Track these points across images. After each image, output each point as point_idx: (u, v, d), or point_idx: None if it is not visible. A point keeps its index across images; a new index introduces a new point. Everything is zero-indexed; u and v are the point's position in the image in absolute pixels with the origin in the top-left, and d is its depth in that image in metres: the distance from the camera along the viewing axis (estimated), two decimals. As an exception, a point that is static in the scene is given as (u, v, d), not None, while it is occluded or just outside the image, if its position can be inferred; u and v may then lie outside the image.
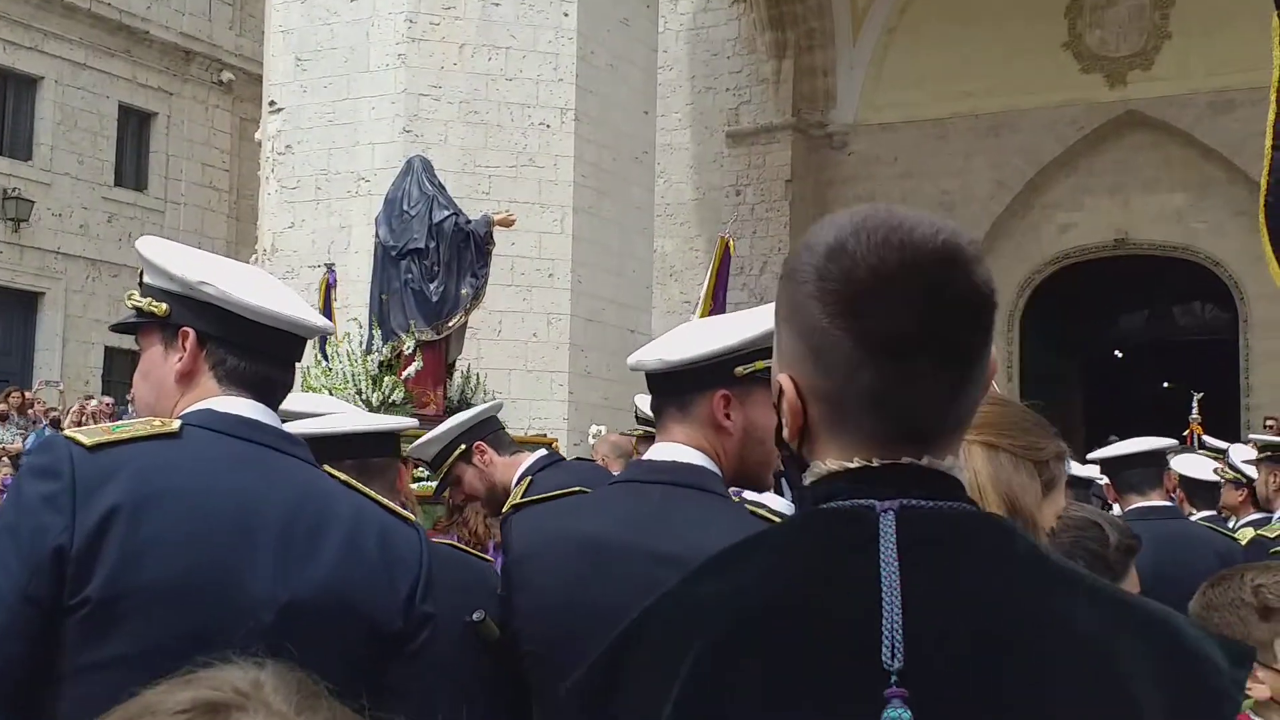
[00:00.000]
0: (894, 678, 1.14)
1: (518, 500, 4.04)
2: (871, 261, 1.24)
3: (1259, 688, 2.50)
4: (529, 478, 4.09)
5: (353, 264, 12.81)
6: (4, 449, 15.57)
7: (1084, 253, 22.60)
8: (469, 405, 9.64)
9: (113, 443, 1.95)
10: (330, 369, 9.40)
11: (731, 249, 10.14)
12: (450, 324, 9.69)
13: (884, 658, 1.15)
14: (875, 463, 1.28)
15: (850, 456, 1.29)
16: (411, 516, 2.25)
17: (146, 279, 2.21)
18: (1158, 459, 5.37)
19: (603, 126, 15.60)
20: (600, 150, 15.55)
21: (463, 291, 9.68)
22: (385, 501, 2.23)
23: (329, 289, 10.66)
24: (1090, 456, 5.54)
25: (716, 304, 10.06)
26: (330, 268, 10.93)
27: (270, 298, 2.16)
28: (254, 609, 1.93)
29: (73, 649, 1.85)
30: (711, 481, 2.29)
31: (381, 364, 9.46)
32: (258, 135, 16.60)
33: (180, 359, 2.14)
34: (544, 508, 2.44)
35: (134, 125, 24.53)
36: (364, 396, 9.11)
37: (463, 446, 4.21)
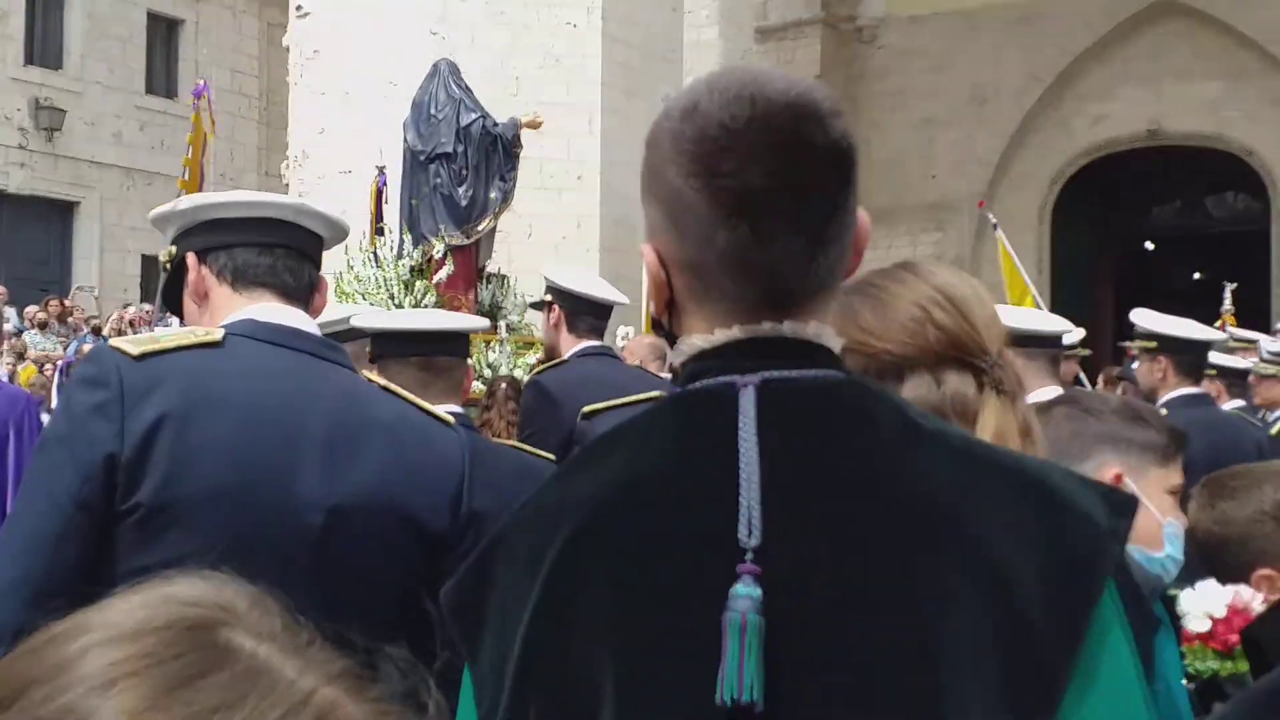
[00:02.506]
0: (749, 554, 1.14)
1: (537, 371, 4.28)
2: (723, 118, 1.21)
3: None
4: (544, 367, 4.35)
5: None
6: (47, 356, 15.84)
7: (1116, 144, 22.31)
8: (500, 309, 9.77)
9: (158, 352, 2.00)
10: (361, 275, 9.51)
11: None
12: (479, 228, 9.76)
13: (740, 534, 1.14)
14: (739, 332, 1.25)
15: (713, 328, 1.26)
16: (451, 420, 2.30)
17: (167, 239, 2.29)
18: (1204, 349, 5.13)
19: (630, 25, 15.46)
20: (628, 49, 15.43)
21: (491, 195, 9.73)
22: (425, 405, 2.28)
23: (380, 193, 10.68)
24: (1147, 326, 5.07)
25: None
26: (381, 170, 10.91)
27: (243, 194, 2.24)
28: (301, 512, 1.99)
29: (125, 553, 1.92)
30: None
31: (413, 269, 9.54)
32: (285, 40, 16.56)
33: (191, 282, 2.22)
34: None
35: (162, 32, 24.48)
36: (396, 301, 9.23)
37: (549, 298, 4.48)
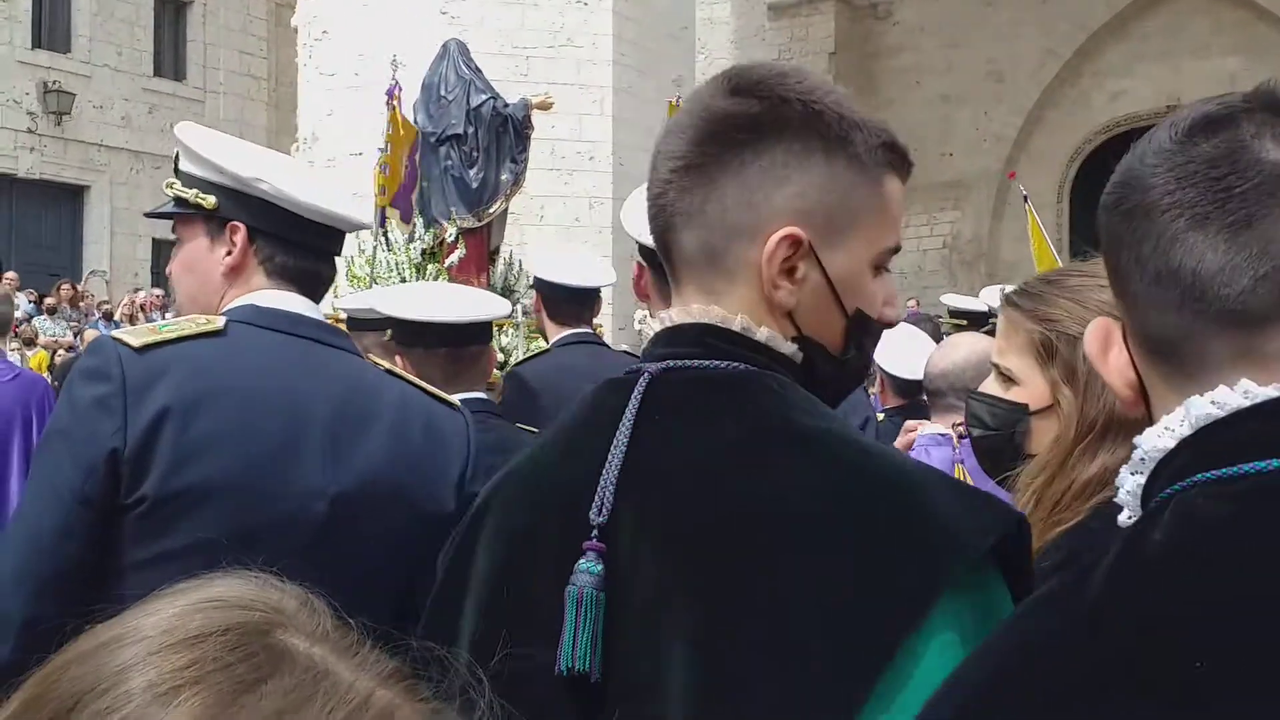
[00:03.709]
0: (595, 532, 1.21)
1: (516, 363, 4.27)
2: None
3: None
4: (525, 358, 4.27)
5: (393, 151, 12.80)
6: (56, 342, 15.76)
7: (1135, 120, 22.10)
8: (512, 292, 9.65)
9: (160, 343, 1.97)
10: (374, 258, 9.41)
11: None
12: (491, 210, 9.65)
13: (591, 513, 1.21)
14: (667, 318, 1.30)
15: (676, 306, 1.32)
16: (456, 402, 2.28)
17: (189, 168, 2.20)
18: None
19: (641, 3, 15.34)
20: (639, 27, 15.29)
21: (503, 177, 9.62)
22: (430, 388, 2.27)
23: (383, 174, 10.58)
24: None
25: None
26: (382, 151, 10.83)
27: (318, 193, 2.17)
28: (306, 500, 1.98)
29: (131, 544, 1.90)
30: None
31: (424, 252, 9.45)
32: (294, 21, 16.44)
33: (229, 253, 2.15)
34: None
35: (170, 14, 24.39)
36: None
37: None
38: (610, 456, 1.23)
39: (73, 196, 22.80)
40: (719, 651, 1.13)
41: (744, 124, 1.25)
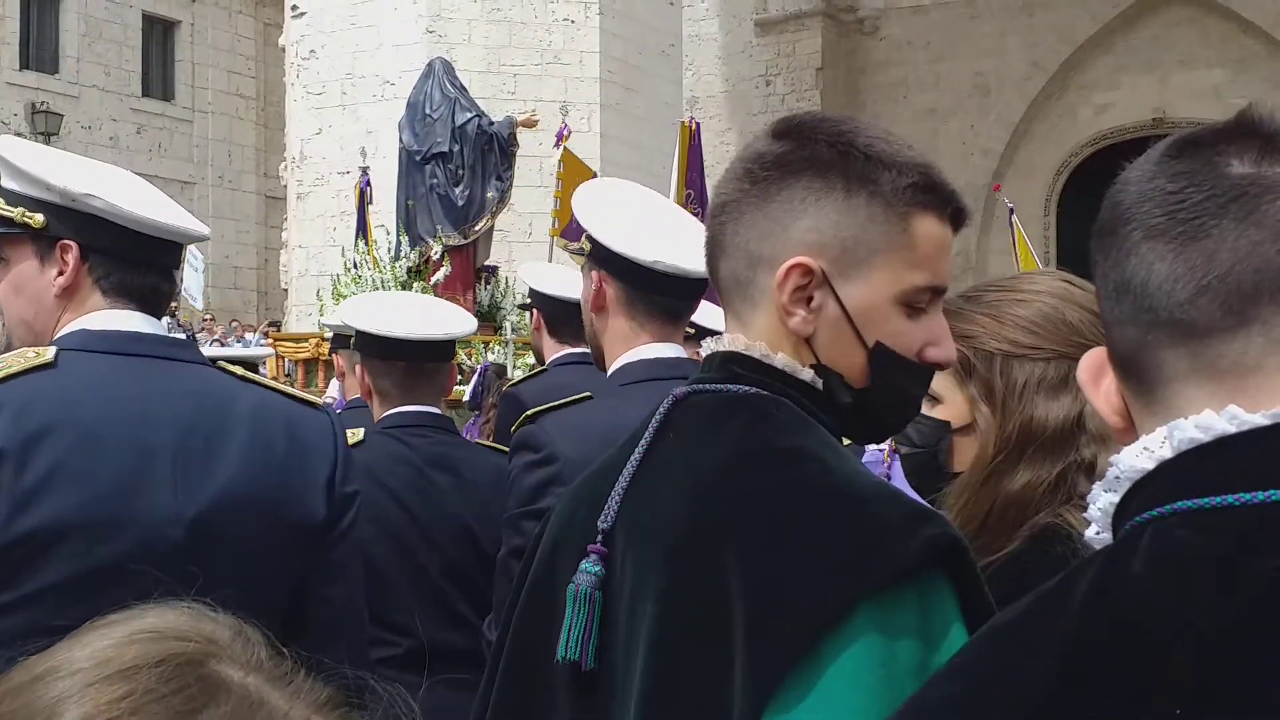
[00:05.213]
0: (600, 537, 1.35)
1: (510, 383, 4.20)
2: None
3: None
4: (521, 378, 4.19)
5: (380, 170, 12.76)
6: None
7: (1121, 133, 22.19)
8: (499, 309, 9.67)
9: None
10: (360, 276, 9.42)
11: (691, 133, 9.72)
12: (476, 228, 9.69)
13: (600, 520, 1.36)
14: (711, 347, 1.41)
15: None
16: (319, 401, 2.19)
17: (11, 185, 2.08)
18: None
19: (628, 20, 15.37)
20: (626, 45, 15.33)
21: (488, 195, 9.66)
22: (290, 390, 2.19)
23: (364, 194, 10.63)
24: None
25: (696, 191, 9.87)
26: (365, 171, 10.88)
27: (152, 205, 2.08)
28: (159, 529, 1.89)
29: None
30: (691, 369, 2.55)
31: (410, 270, 9.47)
32: (281, 41, 16.47)
33: (61, 274, 2.03)
34: (569, 410, 2.51)
35: (158, 34, 24.42)
36: (394, 303, 9.15)
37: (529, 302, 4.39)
38: (626, 470, 1.37)
39: (61, 217, 22.82)
40: (665, 650, 1.23)
41: (771, 162, 1.34)
